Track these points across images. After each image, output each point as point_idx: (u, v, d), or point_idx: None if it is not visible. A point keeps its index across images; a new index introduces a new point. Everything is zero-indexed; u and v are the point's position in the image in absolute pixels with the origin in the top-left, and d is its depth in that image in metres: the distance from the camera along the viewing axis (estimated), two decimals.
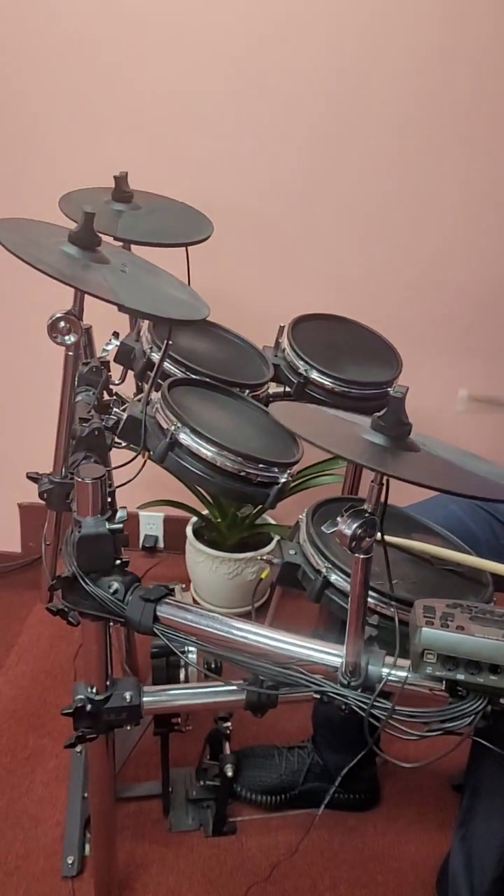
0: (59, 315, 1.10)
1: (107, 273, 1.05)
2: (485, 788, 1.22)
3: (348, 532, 0.81)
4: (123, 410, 1.18)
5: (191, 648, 1.00)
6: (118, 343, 1.34)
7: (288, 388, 1.44)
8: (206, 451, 1.04)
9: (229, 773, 1.37)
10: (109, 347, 1.33)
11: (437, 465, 0.86)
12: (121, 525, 0.96)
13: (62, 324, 1.11)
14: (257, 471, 1.05)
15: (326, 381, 1.39)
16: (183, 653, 1.00)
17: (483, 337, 1.95)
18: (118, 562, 0.98)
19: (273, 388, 1.44)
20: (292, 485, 1.10)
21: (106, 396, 1.31)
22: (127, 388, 1.37)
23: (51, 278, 0.95)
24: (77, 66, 1.72)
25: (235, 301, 1.73)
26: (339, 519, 0.83)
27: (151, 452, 1.10)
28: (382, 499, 0.83)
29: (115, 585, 0.97)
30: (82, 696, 1.05)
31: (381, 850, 1.45)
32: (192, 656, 1.04)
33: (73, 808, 1.47)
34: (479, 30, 1.64)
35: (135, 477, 1.14)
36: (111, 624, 1.03)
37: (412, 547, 1.08)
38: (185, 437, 1.05)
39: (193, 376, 1.27)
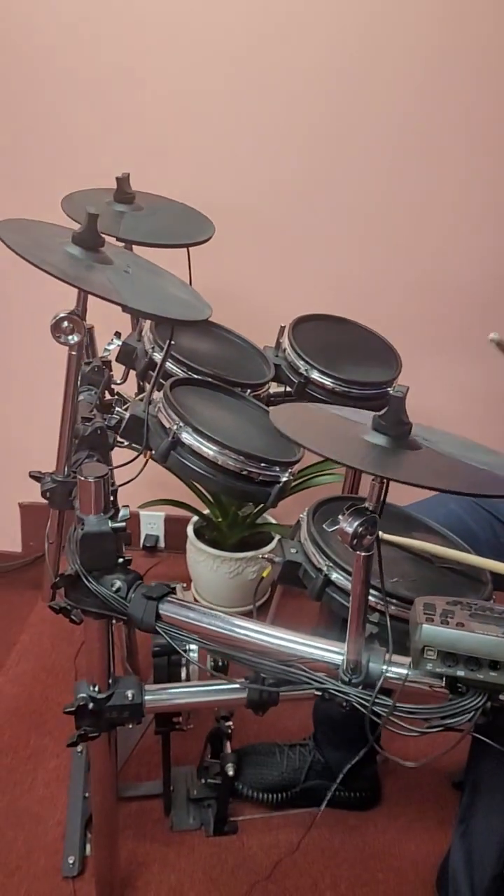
0: (62, 315, 1.11)
1: (110, 274, 1.05)
2: (485, 785, 1.23)
3: (350, 530, 0.82)
4: (125, 410, 1.19)
5: (192, 647, 1.01)
6: (120, 343, 1.34)
7: (289, 388, 1.45)
8: (208, 450, 1.05)
9: (230, 772, 1.37)
10: (111, 347, 1.33)
11: (437, 463, 0.87)
12: (123, 523, 0.97)
13: (65, 324, 1.12)
14: (259, 469, 1.06)
15: (327, 381, 1.40)
16: (185, 651, 1.00)
17: (483, 337, 1.94)
18: (121, 560, 0.98)
19: (274, 388, 1.45)
20: (293, 484, 1.11)
21: (107, 396, 1.32)
22: (128, 388, 1.38)
23: (55, 279, 0.95)
24: (77, 67, 1.73)
25: (236, 301, 1.73)
26: (340, 517, 0.84)
27: (153, 451, 1.11)
28: (383, 498, 0.84)
29: (118, 583, 0.97)
30: (84, 695, 1.05)
31: (382, 849, 1.46)
32: (194, 654, 1.04)
33: (75, 807, 1.47)
34: (479, 30, 1.65)
35: (136, 476, 1.14)
36: (113, 622, 1.04)
37: (412, 545, 1.09)
38: (188, 437, 1.06)
39: (195, 376, 1.28)
